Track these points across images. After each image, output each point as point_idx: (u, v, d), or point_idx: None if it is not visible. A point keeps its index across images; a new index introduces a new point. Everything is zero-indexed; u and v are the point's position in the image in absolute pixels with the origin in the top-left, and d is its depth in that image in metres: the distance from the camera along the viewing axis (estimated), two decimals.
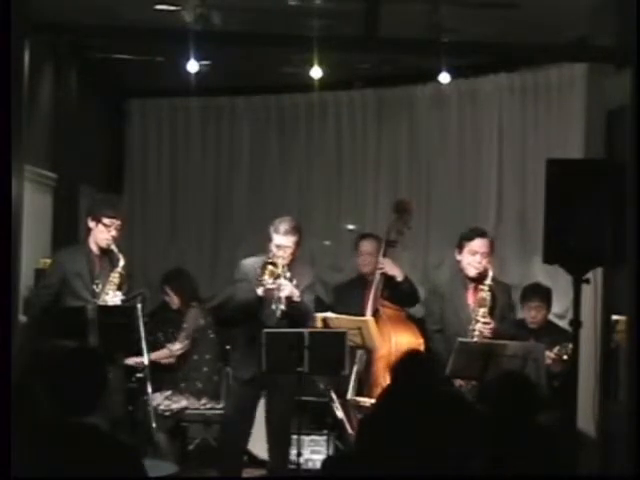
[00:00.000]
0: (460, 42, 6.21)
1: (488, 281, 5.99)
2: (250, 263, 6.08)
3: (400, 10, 5.81)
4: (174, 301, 7.27)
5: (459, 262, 6.17)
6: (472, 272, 6.10)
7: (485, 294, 5.98)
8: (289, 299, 5.82)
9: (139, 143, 9.06)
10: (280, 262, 5.85)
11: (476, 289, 6.09)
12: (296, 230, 5.98)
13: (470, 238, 6.11)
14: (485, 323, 5.93)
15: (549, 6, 6.02)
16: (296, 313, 5.90)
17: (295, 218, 6.16)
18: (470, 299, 6.13)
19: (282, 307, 5.81)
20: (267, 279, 5.80)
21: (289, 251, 5.91)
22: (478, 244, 6.10)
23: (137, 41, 6.66)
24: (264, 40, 5.99)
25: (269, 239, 5.95)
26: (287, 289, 5.81)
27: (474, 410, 3.91)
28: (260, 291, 5.83)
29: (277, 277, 5.80)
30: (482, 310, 5.96)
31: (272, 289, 5.80)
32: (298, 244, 5.99)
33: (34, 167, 6.70)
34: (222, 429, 6.49)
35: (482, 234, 6.16)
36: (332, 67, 7.07)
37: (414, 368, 4.11)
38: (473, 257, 6.08)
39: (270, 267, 5.82)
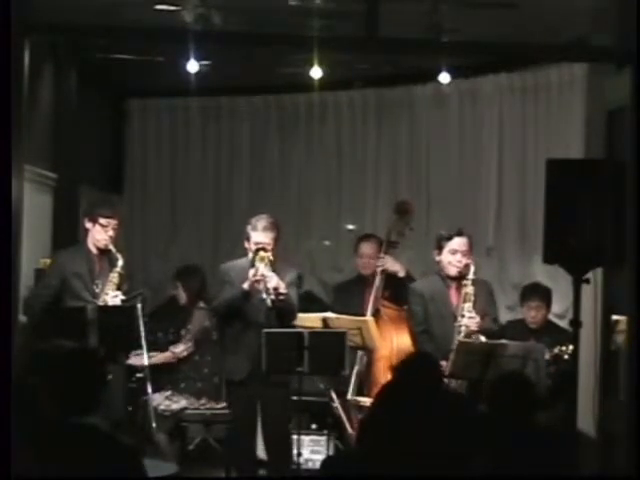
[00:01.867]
0: (460, 42, 6.20)
1: (470, 275, 6.01)
2: (230, 266, 6.10)
3: (400, 10, 5.80)
4: (182, 297, 7.27)
5: (439, 262, 6.18)
6: (453, 271, 6.11)
7: (469, 289, 6.00)
8: (276, 290, 5.81)
9: (139, 143, 9.06)
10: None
11: (458, 287, 6.10)
12: (274, 226, 5.99)
13: (449, 238, 6.13)
14: (471, 317, 5.95)
15: (549, 6, 6.02)
16: (283, 306, 5.89)
17: (273, 215, 6.15)
18: (453, 298, 6.13)
19: (272, 297, 5.80)
20: (259, 264, 5.80)
21: (268, 248, 5.91)
22: (458, 243, 6.11)
23: (137, 41, 6.65)
24: (264, 40, 5.98)
25: (247, 238, 5.96)
26: (274, 280, 5.81)
27: (474, 410, 3.91)
28: (246, 285, 5.84)
29: (267, 264, 5.80)
30: (467, 305, 5.98)
31: (258, 281, 5.80)
32: (276, 240, 5.99)
33: (34, 167, 6.70)
34: (229, 433, 6.49)
35: (460, 233, 6.17)
36: (332, 67, 7.07)
37: (418, 367, 4.11)
38: (453, 256, 6.10)
39: (261, 252, 5.83)
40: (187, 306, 7.25)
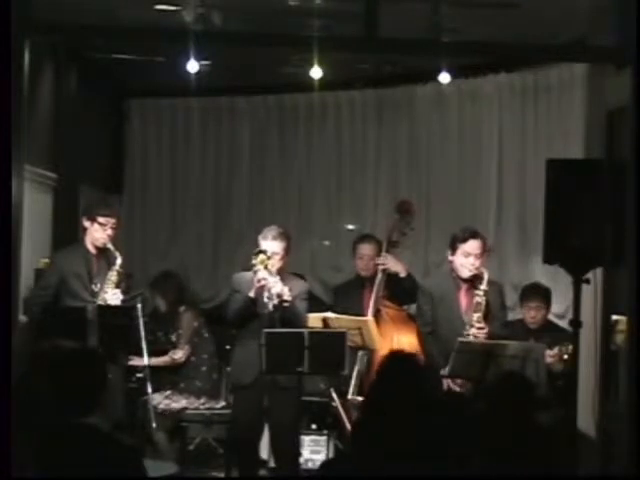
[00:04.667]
0: (460, 42, 6.19)
1: (483, 286, 5.93)
2: (243, 276, 6.12)
3: (400, 10, 5.81)
4: (161, 304, 7.28)
5: (451, 262, 6.10)
6: (466, 274, 6.03)
7: (480, 299, 5.93)
8: (280, 297, 5.82)
9: (139, 143, 9.06)
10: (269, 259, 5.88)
11: (469, 289, 6.05)
12: (284, 236, 6.03)
13: (463, 240, 6.02)
14: (480, 328, 5.88)
15: (549, 6, 6.02)
16: (287, 316, 5.89)
17: (288, 222, 6.18)
18: (463, 300, 6.08)
19: (274, 302, 5.82)
20: (259, 267, 5.82)
21: (277, 257, 5.94)
22: (472, 246, 6.01)
23: (137, 41, 6.64)
24: (264, 40, 5.98)
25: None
26: (278, 286, 5.83)
27: (470, 410, 3.91)
28: (252, 292, 5.86)
29: (267, 267, 5.81)
30: (477, 315, 5.91)
31: (263, 286, 5.81)
32: (287, 250, 6.02)
33: (34, 167, 6.70)
34: (232, 435, 6.49)
35: (475, 235, 6.06)
36: (332, 67, 7.07)
37: (401, 368, 4.11)
38: (466, 259, 6.01)
39: (261, 255, 5.84)
40: (168, 312, 7.25)
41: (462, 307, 6.06)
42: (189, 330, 7.15)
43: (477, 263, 6.02)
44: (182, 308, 7.24)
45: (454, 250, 6.07)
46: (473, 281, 6.03)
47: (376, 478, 3.21)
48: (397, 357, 4.18)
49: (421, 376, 4.09)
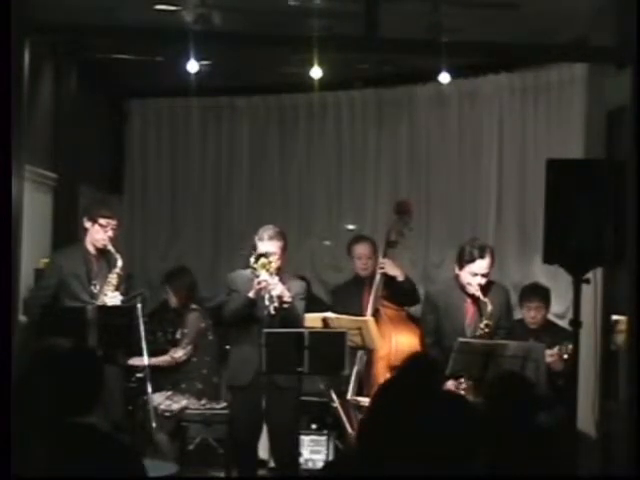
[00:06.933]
0: (460, 42, 6.19)
1: (486, 319, 5.92)
2: (239, 275, 6.12)
3: (400, 10, 5.81)
4: (172, 300, 7.28)
5: (458, 276, 6.09)
6: (471, 291, 6.02)
7: (482, 332, 5.91)
8: (280, 298, 5.82)
9: (139, 143, 9.05)
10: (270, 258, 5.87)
11: (474, 302, 6.05)
12: (281, 236, 6.01)
13: (471, 260, 5.99)
14: None
15: (549, 6, 6.02)
16: (287, 316, 5.89)
17: (278, 225, 6.17)
18: (469, 311, 6.07)
19: (275, 304, 5.81)
20: (260, 271, 5.81)
21: (275, 257, 5.92)
22: (480, 266, 6.00)
23: (137, 41, 6.65)
24: (264, 40, 5.98)
25: (254, 248, 5.96)
26: (278, 288, 5.82)
27: (474, 410, 3.90)
28: (252, 294, 5.85)
29: (268, 270, 5.80)
30: None
31: (264, 287, 5.81)
32: (284, 249, 6.00)
33: (34, 167, 6.70)
34: (231, 435, 6.49)
35: (483, 254, 6.01)
36: (332, 67, 7.07)
37: (416, 368, 4.10)
38: (473, 278, 6.00)
39: (262, 259, 5.83)
40: (178, 308, 7.25)
41: (467, 319, 6.05)
42: (194, 330, 7.13)
43: (484, 281, 6.02)
44: (193, 306, 7.21)
45: (461, 266, 6.05)
46: (479, 298, 6.00)
47: (379, 478, 3.21)
48: (419, 359, 4.18)
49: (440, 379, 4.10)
